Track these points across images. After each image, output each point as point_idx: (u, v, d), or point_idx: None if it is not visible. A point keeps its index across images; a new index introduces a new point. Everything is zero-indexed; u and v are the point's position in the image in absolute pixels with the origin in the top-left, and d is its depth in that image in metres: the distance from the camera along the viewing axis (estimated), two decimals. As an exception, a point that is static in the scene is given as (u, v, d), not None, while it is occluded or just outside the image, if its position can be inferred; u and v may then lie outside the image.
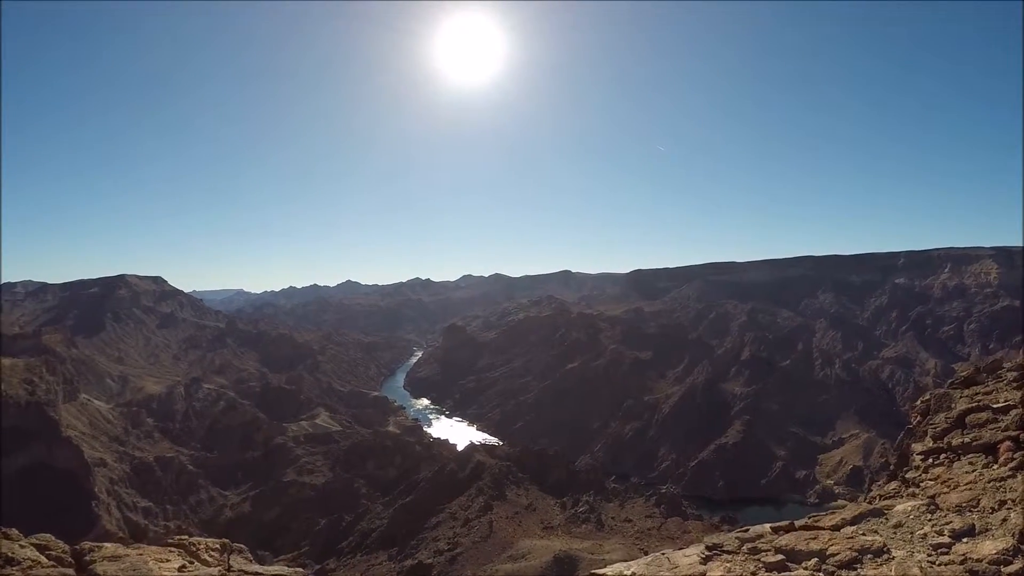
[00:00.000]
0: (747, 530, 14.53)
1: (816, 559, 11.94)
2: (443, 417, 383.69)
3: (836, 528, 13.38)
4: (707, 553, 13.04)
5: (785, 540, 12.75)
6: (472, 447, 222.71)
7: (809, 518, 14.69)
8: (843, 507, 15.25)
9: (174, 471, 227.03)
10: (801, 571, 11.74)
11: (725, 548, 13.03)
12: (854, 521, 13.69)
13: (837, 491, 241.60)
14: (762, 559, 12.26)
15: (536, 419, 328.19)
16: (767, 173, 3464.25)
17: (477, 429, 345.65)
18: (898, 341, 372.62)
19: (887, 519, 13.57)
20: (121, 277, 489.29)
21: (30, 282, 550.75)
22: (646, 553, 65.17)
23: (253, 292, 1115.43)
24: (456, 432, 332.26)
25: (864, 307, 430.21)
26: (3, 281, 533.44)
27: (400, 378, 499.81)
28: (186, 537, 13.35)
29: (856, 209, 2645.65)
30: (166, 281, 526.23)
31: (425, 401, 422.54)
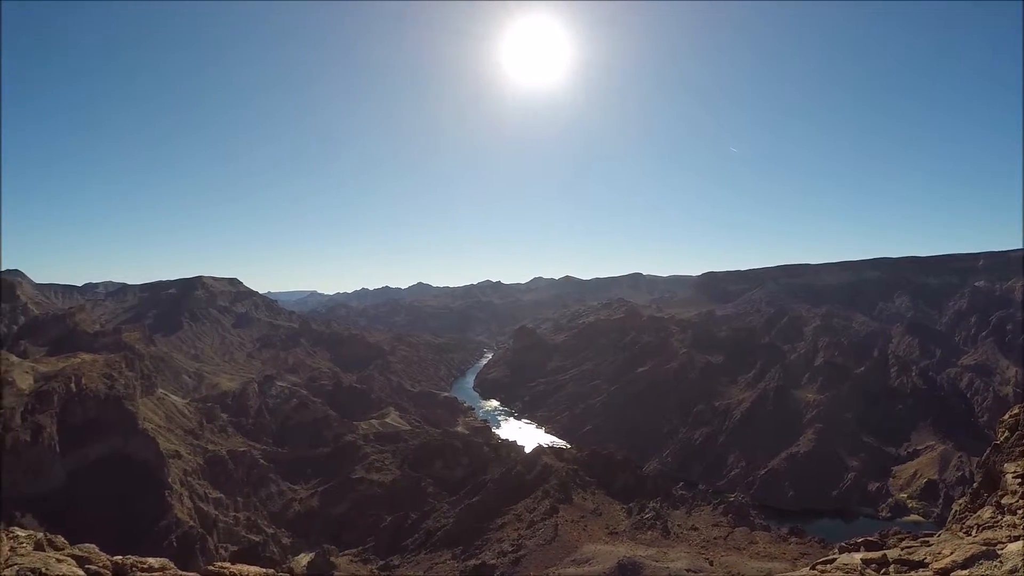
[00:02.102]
0: (833, 559, 12.52)
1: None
2: (512, 419, 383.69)
3: (946, 572, 11.34)
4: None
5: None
6: (540, 449, 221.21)
7: (903, 548, 12.61)
8: (943, 540, 12.97)
9: (246, 465, 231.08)
10: None
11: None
12: (965, 564, 11.75)
13: (911, 505, 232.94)
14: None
15: (605, 423, 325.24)
16: (839, 173, 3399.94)
17: (546, 431, 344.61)
18: (977, 348, 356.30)
19: (1001, 562, 11.50)
20: (198, 278, 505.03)
21: (111, 283, 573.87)
22: (711, 563, 62.41)
23: (326, 293, 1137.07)
24: (524, 434, 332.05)
25: (942, 311, 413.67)
26: (85, 282, 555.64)
27: (470, 379, 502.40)
28: (228, 566, 12.21)
29: (934, 208, 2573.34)
30: (241, 282, 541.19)
31: (494, 402, 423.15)
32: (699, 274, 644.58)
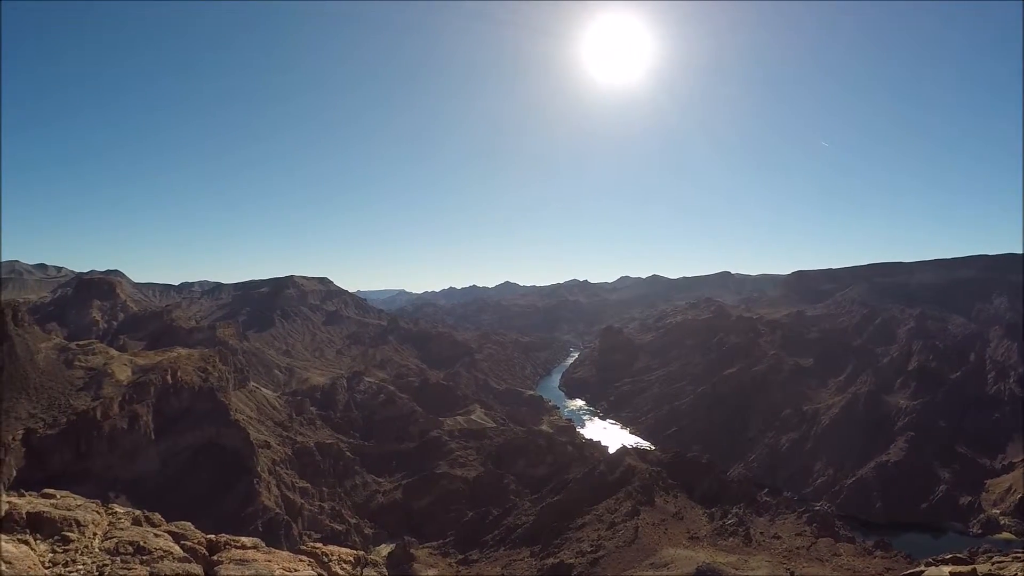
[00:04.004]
0: (921, 572, 12.96)
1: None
2: (597, 418, 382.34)
3: None
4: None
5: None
6: (624, 450, 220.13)
7: (993, 563, 12.84)
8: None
9: (333, 456, 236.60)
10: None
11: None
12: None
13: (1003, 522, 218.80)
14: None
15: (690, 425, 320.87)
16: (932, 167, 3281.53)
17: (630, 432, 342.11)
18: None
19: None
20: (290, 278, 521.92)
21: (206, 282, 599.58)
22: (792, 573, 62.27)
23: (414, 292, 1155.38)
24: (609, 434, 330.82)
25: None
26: (181, 281, 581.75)
27: (556, 378, 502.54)
28: (319, 546, 12.95)
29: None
30: (331, 281, 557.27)
31: (580, 402, 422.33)
32: (789, 273, 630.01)
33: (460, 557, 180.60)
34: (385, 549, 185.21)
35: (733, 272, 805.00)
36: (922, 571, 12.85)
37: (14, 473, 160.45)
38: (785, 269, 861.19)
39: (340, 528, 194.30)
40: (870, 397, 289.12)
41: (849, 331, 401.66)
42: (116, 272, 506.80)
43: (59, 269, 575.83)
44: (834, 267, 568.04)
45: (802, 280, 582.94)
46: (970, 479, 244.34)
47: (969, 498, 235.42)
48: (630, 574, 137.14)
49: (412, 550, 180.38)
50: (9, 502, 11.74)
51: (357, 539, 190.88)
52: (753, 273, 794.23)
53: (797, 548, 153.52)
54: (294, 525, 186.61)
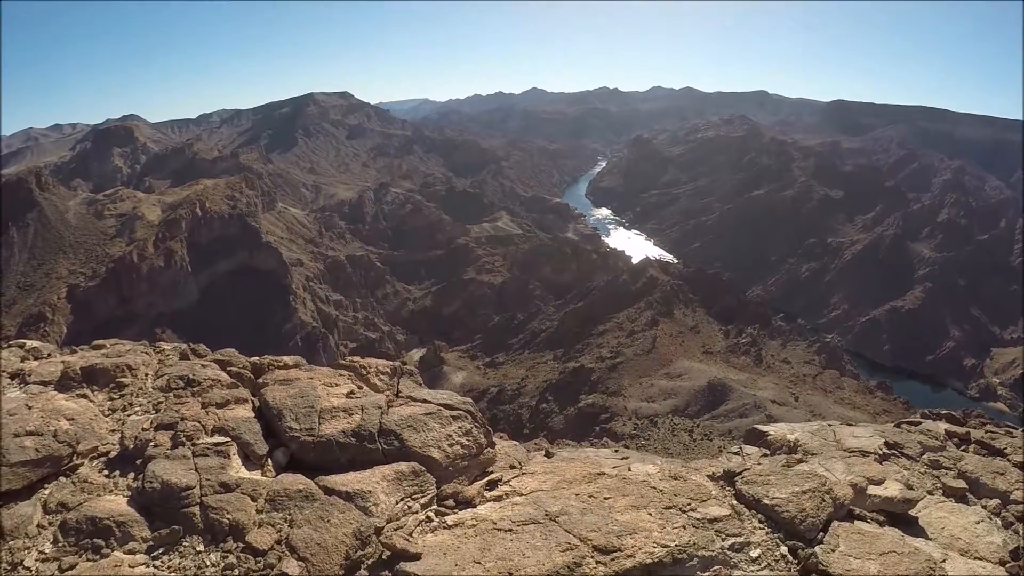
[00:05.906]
0: (919, 423, 13.91)
1: (998, 501, 11.25)
2: (622, 228, 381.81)
3: None
4: (886, 451, 12.33)
5: (971, 465, 12.05)
6: (647, 261, 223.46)
7: (986, 431, 13.85)
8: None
9: (363, 268, 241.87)
10: (979, 508, 11.00)
11: (905, 452, 12.39)
12: None
13: (1000, 392, 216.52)
14: (942, 479, 11.67)
15: (714, 242, 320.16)
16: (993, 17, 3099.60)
17: (654, 244, 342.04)
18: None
19: None
20: (309, 95, 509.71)
21: (224, 110, 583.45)
22: (796, 398, 66.47)
23: (438, 100, 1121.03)
24: (633, 244, 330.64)
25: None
26: (199, 113, 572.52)
27: (582, 186, 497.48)
28: (358, 360, 13.63)
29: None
30: (352, 95, 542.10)
31: (605, 211, 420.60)
32: (829, 101, 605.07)
33: (487, 360, 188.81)
34: (417, 353, 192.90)
35: (770, 92, 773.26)
36: (920, 422, 14.01)
37: (64, 331, 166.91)
38: (825, 96, 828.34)
39: (374, 336, 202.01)
40: (895, 241, 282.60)
41: (884, 170, 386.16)
42: (132, 117, 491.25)
43: (74, 126, 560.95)
44: (876, 102, 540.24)
45: (842, 110, 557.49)
46: (978, 343, 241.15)
47: (973, 361, 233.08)
48: (646, 381, 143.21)
49: (442, 354, 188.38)
50: (63, 361, 12.54)
51: (390, 345, 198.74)
52: (791, 96, 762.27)
53: (804, 375, 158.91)
54: (331, 337, 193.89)
